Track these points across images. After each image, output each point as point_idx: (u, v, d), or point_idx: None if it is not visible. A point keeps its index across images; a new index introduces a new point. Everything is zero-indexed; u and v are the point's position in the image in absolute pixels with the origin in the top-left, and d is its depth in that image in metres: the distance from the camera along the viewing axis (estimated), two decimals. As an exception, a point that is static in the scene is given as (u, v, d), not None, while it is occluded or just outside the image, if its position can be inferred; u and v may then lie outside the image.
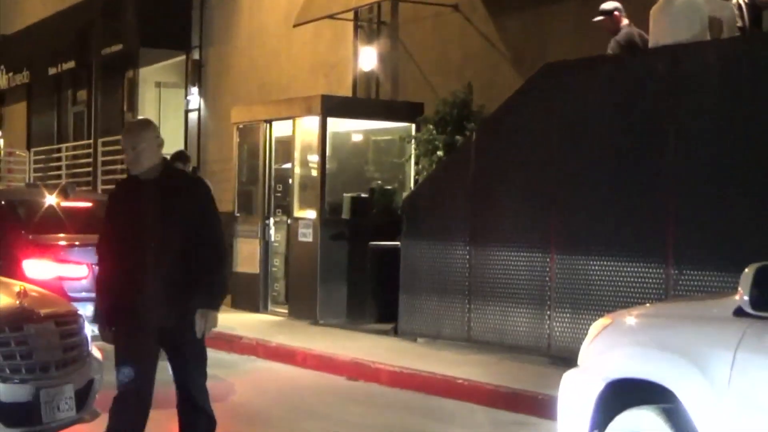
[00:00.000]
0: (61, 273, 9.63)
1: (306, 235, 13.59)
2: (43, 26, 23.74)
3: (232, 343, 11.99)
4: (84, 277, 9.73)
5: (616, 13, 10.09)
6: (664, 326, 5.12)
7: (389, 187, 14.23)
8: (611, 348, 5.26)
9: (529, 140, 10.45)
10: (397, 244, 11.96)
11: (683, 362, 4.71)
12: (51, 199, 10.67)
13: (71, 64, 22.54)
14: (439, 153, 12.49)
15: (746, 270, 4.45)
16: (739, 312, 4.52)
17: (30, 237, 9.83)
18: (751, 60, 8.60)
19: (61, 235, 10.15)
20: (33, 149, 25.07)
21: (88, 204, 11.37)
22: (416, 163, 13.44)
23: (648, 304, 6.76)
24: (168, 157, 13.55)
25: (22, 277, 8.90)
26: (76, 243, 10.04)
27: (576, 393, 5.33)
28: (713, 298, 5.80)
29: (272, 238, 14.56)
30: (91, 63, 21.69)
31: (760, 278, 4.40)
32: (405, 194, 13.44)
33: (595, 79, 9.92)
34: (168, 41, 20.11)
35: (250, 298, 14.35)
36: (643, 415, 4.88)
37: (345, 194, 14.03)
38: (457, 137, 12.27)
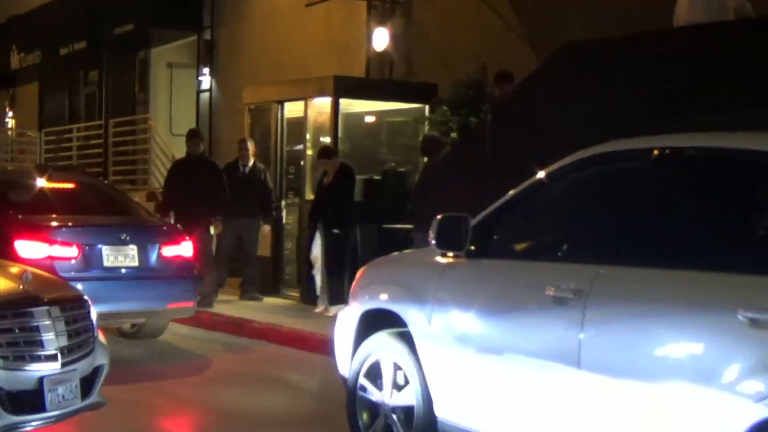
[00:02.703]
0: (52, 253, 9.68)
1: (318, 218, 13.40)
2: (55, 5, 23.58)
3: (242, 327, 11.87)
4: (74, 258, 9.81)
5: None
6: (401, 267, 6.63)
7: (402, 170, 14.05)
8: (365, 286, 6.64)
9: (546, 122, 10.23)
10: (410, 227, 11.78)
11: (408, 294, 6.09)
12: (42, 181, 10.73)
13: (83, 45, 22.40)
14: (453, 135, 12.31)
15: (437, 217, 5.71)
16: (444, 253, 5.83)
17: (20, 217, 9.90)
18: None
19: (53, 215, 10.19)
20: (44, 130, 24.95)
21: (78, 186, 11.38)
22: (430, 145, 13.26)
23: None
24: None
25: (14, 258, 8.94)
26: (69, 224, 10.11)
27: (343, 323, 6.73)
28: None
29: (284, 221, 14.39)
30: (102, 43, 21.54)
31: (442, 225, 5.68)
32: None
33: (614, 58, 9.69)
34: (180, 21, 19.97)
35: (262, 281, 14.18)
36: (383, 336, 6.25)
37: (358, 176, 13.86)
38: (472, 119, 12.08)
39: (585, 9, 11.83)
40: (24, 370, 5.84)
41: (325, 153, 12.70)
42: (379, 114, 14.98)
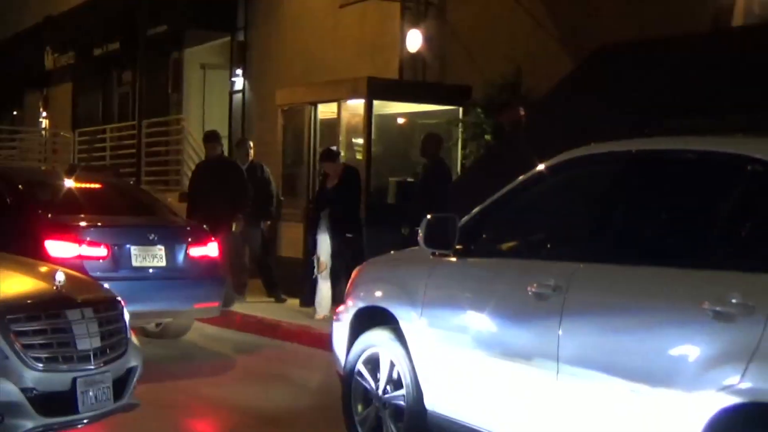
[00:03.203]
0: (82, 253, 9.72)
1: (351, 220, 13.35)
2: (89, 7, 23.70)
3: (275, 329, 11.84)
4: (104, 257, 9.86)
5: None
6: (394, 266, 6.83)
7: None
8: (359, 285, 6.91)
9: (582, 125, 10.13)
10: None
11: (399, 292, 6.36)
12: (70, 181, 10.78)
13: (116, 45, 22.51)
14: (487, 137, 12.24)
15: (427, 217, 5.95)
16: (434, 252, 6.05)
17: (50, 217, 9.98)
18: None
19: (82, 215, 10.23)
20: (78, 130, 25.06)
21: (105, 186, 11.51)
22: (463, 147, 13.20)
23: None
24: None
25: (44, 257, 9.01)
26: (98, 224, 10.15)
27: (340, 321, 6.99)
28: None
29: (316, 222, 14.33)
30: (136, 44, 21.59)
31: (430, 225, 5.92)
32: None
33: (651, 61, 9.59)
34: (213, 22, 20.01)
35: (293, 283, 14.13)
36: (376, 333, 6.52)
37: (390, 178, 13.81)
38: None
39: (620, 10, 11.71)
40: (57, 371, 5.81)
41: (328, 155, 12.43)
42: (412, 116, 14.91)
